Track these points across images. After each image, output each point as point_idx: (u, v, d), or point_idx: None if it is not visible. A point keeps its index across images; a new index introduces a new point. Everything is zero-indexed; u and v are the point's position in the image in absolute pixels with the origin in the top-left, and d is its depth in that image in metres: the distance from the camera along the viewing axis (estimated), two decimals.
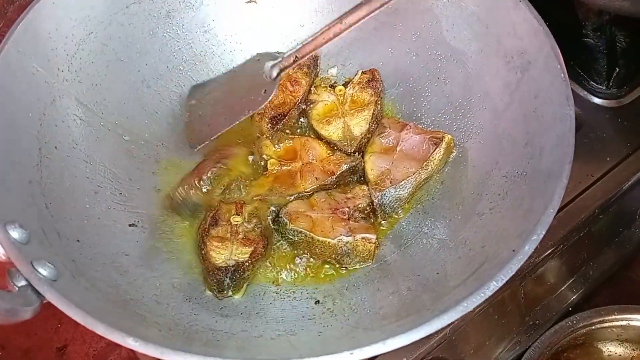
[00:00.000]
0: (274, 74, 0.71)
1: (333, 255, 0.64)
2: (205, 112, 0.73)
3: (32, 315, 0.46)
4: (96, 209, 0.63)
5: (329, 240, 0.63)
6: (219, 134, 0.71)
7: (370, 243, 0.63)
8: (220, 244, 0.63)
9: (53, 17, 0.64)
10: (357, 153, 0.71)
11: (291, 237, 0.65)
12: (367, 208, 0.67)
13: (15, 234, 0.49)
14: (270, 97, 0.70)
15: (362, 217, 0.66)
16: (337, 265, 0.65)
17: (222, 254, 0.62)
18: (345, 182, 0.70)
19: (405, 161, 0.68)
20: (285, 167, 0.70)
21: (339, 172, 0.69)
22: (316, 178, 0.69)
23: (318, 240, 0.64)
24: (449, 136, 0.68)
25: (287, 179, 0.70)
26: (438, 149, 0.67)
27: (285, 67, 0.70)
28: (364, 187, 0.69)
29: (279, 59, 0.70)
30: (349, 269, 0.65)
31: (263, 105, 0.70)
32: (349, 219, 0.66)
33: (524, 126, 0.62)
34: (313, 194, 0.69)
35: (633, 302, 0.74)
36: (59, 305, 0.46)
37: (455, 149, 0.69)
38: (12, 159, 0.56)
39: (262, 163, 0.72)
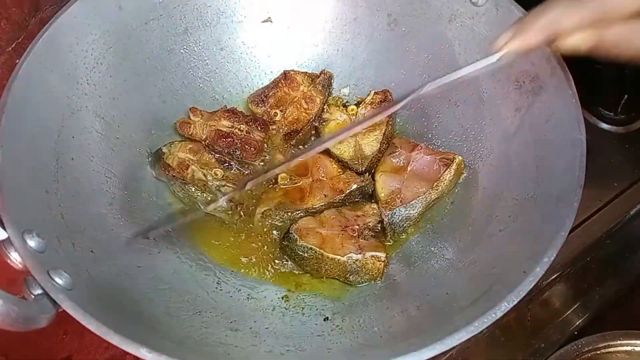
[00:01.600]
0: None
1: (341, 273, 0.65)
2: None
3: (48, 324, 0.46)
4: (110, 220, 0.63)
5: (338, 257, 0.64)
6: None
7: (379, 261, 0.64)
8: None
9: (74, 31, 0.65)
10: (367, 173, 0.72)
11: (300, 253, 0.65)
12: (377, 226, 0.68)
13: (32, 242, 0.49)
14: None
15: (371, 235, 0.67)
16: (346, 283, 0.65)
17: None
18: (353, 202, 0.71)
19: (415, 181, 0.68)
20: (295, 183, 0.71)
21: (347, 191, 0.70)
22: (325, 195, 0.70)
23: (328, 257, 0.64)
24: (460, 157, 0.69)
25: (296, 194, 0.70)
26: (448, 169, 0.68)
27: None
28: (374, 205, 0.69)
29: None
30: (357, 286, 0.65)
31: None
32: (358, 237, 0.66)
33: (535, 150, 0.62)
34: (323, 210, 0.69)
35: (639, 327, 0.74)
36: (74, 314, 0.46)
37: (465, 170, 0.70)
38: (30, 169, 0.57)
39: (273, 177, 0.72)
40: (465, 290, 0.58)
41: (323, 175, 0.71)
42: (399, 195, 0.67)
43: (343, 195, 0.70)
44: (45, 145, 0.60)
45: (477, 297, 0.54)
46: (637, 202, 0.76)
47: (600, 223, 0.74)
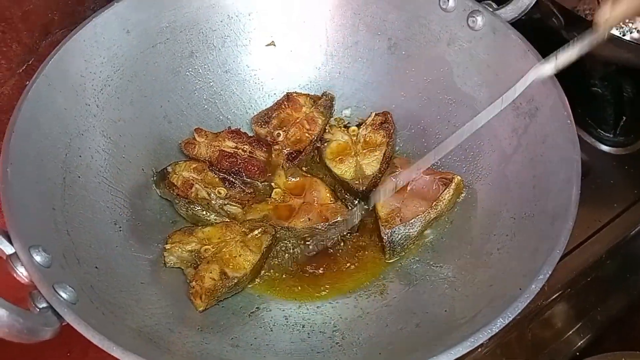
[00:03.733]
0: None
1: None
2: None
3: (52, 336, 0.47)
4: (114, 237, 0.64)
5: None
6: None
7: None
8: None
9: (83, 54, 0.67)
10: (361, 202, 0.73)
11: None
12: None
13: (38, 257, 0.51)
14: None
15: None
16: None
17: None
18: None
19: (415, 200, 0.69)
20: (287, 200, 0.72)
21: (332, 221, 0.70)
22: (309, 219, 0.70)
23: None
24: (458, 177, 0.70)
25: (285, 212, 0.71)
26: (447, 189, 0.69)
27: None
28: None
29: None
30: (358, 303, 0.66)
31: None
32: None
33: (532, 169, 0.63)
34: (304, 233, 0.70)
35: None
36: (77, 327, 0.47)
37: (464, 190, 0.71)
38: (37, 186, 0.59)
39: (270, 190, 0.74)
40: (463, 307, 0.58)
41: (315, 200, 0.72)
42: (398, 214, 0.68)
43: (327, 223, 0.69)
44: (52, 163, 0.62)
45: (475, 313, 0.54)
46: (636, 222, 0.77)
47: (600, 243, 0.75)
